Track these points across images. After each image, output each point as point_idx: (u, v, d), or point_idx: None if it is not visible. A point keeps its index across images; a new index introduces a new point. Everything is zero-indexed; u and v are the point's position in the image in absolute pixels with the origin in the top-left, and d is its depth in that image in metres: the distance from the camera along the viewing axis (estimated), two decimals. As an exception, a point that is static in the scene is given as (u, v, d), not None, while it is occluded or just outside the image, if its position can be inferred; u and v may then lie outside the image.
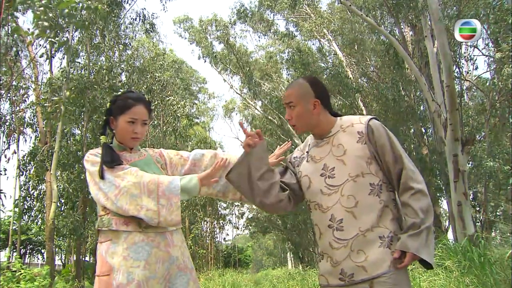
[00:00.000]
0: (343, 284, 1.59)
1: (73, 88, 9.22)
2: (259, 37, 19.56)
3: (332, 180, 1.65)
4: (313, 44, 17.21)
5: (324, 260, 1.66)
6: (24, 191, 12.84)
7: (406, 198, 1.58)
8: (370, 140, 1.65)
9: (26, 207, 12.61)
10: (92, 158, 1.77)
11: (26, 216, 12.95)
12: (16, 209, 13.25)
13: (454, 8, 9.55)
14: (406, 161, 1.63)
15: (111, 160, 1.73)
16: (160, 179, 1.71)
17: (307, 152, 1.80)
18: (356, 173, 1.61)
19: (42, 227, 16.29)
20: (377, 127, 1.67)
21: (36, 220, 13.56)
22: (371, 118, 1.70)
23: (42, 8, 3.84)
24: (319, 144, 1.75)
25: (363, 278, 1.54)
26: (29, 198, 12.65)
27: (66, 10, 4.12)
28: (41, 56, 10.55)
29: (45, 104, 9.33)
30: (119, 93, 1.97)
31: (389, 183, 1.65)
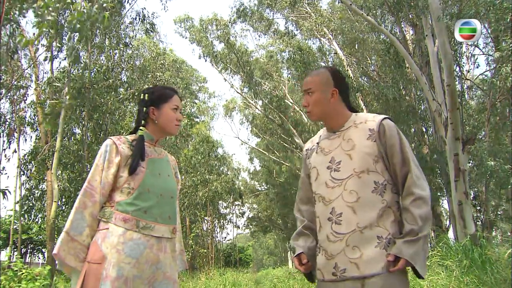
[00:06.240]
0: (335, 279, 1.59)
1: (73, 88, 9.22)
2: (259, 36, 19.63)
3: (337, 173, 1.65)
4: (313, 43, 17.22)
5: (320, 254, 1.67)
6: (27, 190, 12.84)
7: (407, 203, 1.58)
8: (380, 138, 1.65)
9: (27, 206, 12.61)
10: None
11: (27, 215, 12.95)
12: (18, 208, 13.27)
13: (455, 7, 9.52)
14: (413, 165, 1.62)
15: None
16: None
17: (317, 143, 1.81)
18: (361, 169, 1.62)
19: (43, 227, 16.31)
20: (390, 127, 1.67)
21: (36, 220, 13.57)
22: (385, 118, 1.70)
23: (41, 11, 3.84)
24: (330, 136, 1.76)
25: (354, 276, 1.54)
26: (31, 198, 12.64)
27: (76, 23, 4.14)
28: (45, 59, 10.61)
29: (45, 105, 9.35)
30: (149, 86, 2.03)
31: (394, 185, 1.64)
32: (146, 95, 1.92)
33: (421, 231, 1.52)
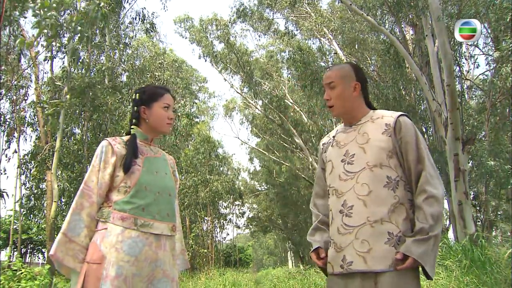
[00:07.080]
0: (342, 271, 1.59)
1: (74, 88, 9.22)
2: (259, 36, 19.58)
3: (351, 166, 1.66)
4: (313, 43, 17.20)
5: (331, 246, 1.67)
6: (28, 190, 12.84)
7: (419, 201, 1.56)
8: (395, 134, 1.65)
9: (29, 207, 12.62)
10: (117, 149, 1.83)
11: (30, 215, 12.96)
12: (18, 208, 13.26)
13: (455, 7, 9.52)
14: (428, 164, 1.61)
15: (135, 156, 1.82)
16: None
17: (333, 137, 1.83)
18: (374, 163, 1.61)
19: (42, 227, 16.31)
20: (406, 124, 1.66)
21: (36, 219, 13.58)
22: (402, 115, 1.70)
23: (42, 12, 3.84)
24: (346, 130, 1.77)
25: (360, 269, 1.53)
26: (32, 198, 12.65)
27: (76, 26, 4.17)
28: (44, 59, 10.63)
29: (45, 106, 9.35)
30: (141, 86, 2.06)
31: (408, 182, 1.63)
32: (137, 94, 1.94)
33: (431, 230, 1.50)
